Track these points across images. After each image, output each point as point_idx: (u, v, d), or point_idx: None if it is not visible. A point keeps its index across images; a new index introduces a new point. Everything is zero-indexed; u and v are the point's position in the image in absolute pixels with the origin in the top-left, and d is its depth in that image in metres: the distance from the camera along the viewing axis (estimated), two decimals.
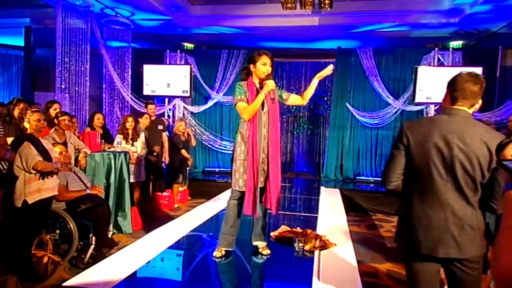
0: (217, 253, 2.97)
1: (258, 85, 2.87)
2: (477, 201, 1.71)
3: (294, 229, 3.68)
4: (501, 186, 1.59)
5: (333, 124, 7.87)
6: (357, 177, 7.74)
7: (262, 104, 2.82)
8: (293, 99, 3.10)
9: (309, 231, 3.54)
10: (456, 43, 7.30)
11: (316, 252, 3.17)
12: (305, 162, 8.82)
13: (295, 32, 7.07)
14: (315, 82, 3.02)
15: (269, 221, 4.64)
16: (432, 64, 7.10)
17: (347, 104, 7.70)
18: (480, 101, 1.79)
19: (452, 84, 1.79)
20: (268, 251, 3.08)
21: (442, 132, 1.71)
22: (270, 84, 2.78)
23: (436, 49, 7.17)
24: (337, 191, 6.38)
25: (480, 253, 1.73)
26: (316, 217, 4.55)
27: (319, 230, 3.78)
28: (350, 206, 6.09)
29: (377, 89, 7.47)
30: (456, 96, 1.76)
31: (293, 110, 8.65)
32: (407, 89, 7.31)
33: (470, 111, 1.79)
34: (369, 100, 7.70)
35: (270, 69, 2.85)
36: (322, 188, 6.53)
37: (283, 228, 3.73)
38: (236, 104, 2.84)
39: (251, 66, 2.87)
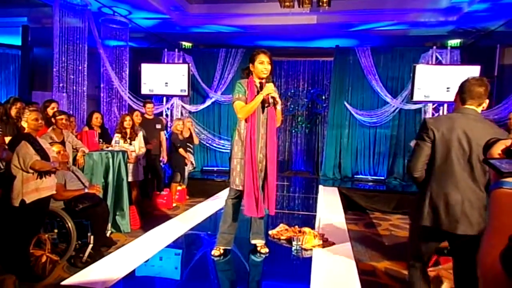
0: (215, 252, 2.97)
1: (258, 85, 2.84)
2: (484, 185, 2.03)
3: (292, 228, 3.68)
4: None
5: (331, 123, 7.87)
6: (355, 176, 7.75)
7: (263, 104, 2.79)
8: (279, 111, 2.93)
9: (307, 229, 3.54)
10: (454, 42, 7.32)
11: (315, 250, 3.17)
12: (303, 161, 8.83)
13: (293, 30, 7.06)
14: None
15: (267, 219, 4.66)
16: (430, 63, 7.11)
17: (345, 103, 7.71)
18: (487, 101, 2.14)
19: (461, 88, 2.16)
20: (267, 250, 3.08)
21: (463, 127, 2.04)
22: (269, 88, 2.73)
23: (434, 47, 7.18)
24: (335, 189, 6.39)
25: (479, 231, 2.00)
26: (315, 215, 4.55)
27: (318, 229, 3.78)
28: (348, 205, 6.11)
29: (375, 88, 7.48)
30: (465, 97, 2.12)
31: (291, 109, 8.66)
32: (405, 88, 7.32)
33: (479, 109, 2.13)
34: (367, 98, 7.71)
35: (268, 68, 2.80)
36: (321, 187, 6.53)
37: (282, 226, 3.74)
38: (233, 102, 2.81)
39: (251, 65, 2.85)
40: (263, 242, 3.11)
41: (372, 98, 7.65)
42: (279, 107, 2.84)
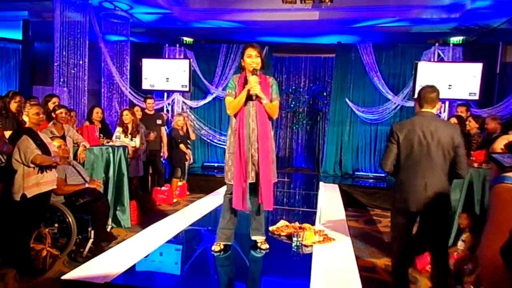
0: (215, 247, 2.97)
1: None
2: (445, 173, 2.56)
3: (292, 224, 3.68)
4: (464, 159, 2.58)
5: (332, 120, 7.86)
6: (356, 173, 7.75)
7: (250, 98, 2.74)
8: (272, 107, 2.82)
9: (307, 226, 3.54)
10: (456, 39, 7.28)
11: (315, 246, 3.18)
12: (304, 158, 8.82)
13: (295, 26, 7.03)
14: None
15: (268, 215, 4.66)
16: (432, 60, 7.08)
17: (347, 100, 7.69)
18: (439, 104, 2.88)
19: (418, 95, 2.75)
20: (267, 246, 3.08)
21: (422, 128, 2.57)
22: (251, 81, 2.70)
23: (437, 44, 7.15)
24: (336, 186, 6.38)
25: (446, 208, 2.59)
26: (315, 212, 4.55)
27: (318, 225, 3.78)
28: (349, 202, 6.10)
29: (377, 85, 7.45)
30: (422, 103, 2.68)
31: (292, 105, 8.64)
32: (406, 85, 7.30)
33: (433, 111, 2.69)
34: (368, 95, 7.69)
35: (257, 61, 2.74)
36: (321, 184, 6.53)
37: (282, 223, 3.74)
38: (224, 98, 2.86)
39: (242, 60, 2.84)
40: (264, 238, 3.11)
41: (374, 95, 7.63)
42: (265, 101, 2.74)
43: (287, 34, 7.72)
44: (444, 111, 7.13)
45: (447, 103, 7.07)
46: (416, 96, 2.82)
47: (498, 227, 0.72)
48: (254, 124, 2.76)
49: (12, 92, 3.93)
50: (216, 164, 8.35)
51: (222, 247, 2.99)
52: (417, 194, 2.53)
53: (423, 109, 2.67)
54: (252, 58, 2.75)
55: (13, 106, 3.74)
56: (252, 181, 2.80)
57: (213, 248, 2.97)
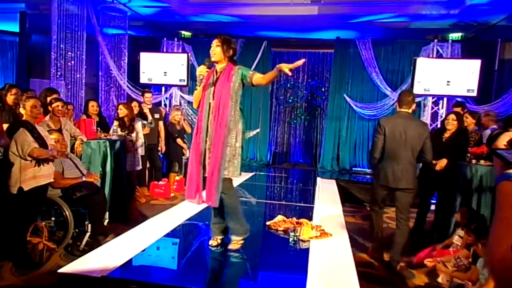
0: (212, 242, 2.98)
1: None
2: (411, 161, 3.33)
3: (290, 219, 3.69)
4: (429, 147, 3.33)
5: (330, 115, 7.86)
6: (353, 168, 7.76)
7: (209, 89, 2.73)
8: (257, 79, 2.73)
9: (305, 221, 3.55)
10: (455, 35, 7.27)
11: (312, 242, 3.18)
12: (302, 153, 8.83)
13: (294, 21, 7.00)
14: (278, 68, 2.61)
15: (265, 210, 4.67)
16: (431, 56, 7.08)
17: (345, 95, 7.69)
18: (414, 105, 3.46)
19: (398, 97, 3.52)
20: (236, 247, 2.91)
21: (401, 124, 3.31)
22: (197, 70, 2.76)
23: (435, 40, 7.14)
24: (333, 182, 6.39)
25: (413, 186, 3.36)
26: (312, 207, 4.56)
27: (315, 220, 3.79)
28: (346, 197, 6.11)
29: (375, 80, 7.45)
30: (401, 104, 3.42)
31: (290, 100, 8.63)
32: (405, 81, 7.30)
33: (410, 111, 3.40)
34: (367, 91, 7.69)
35: (215, 50, 2.71)
36: (318, 179, 6.54)
37: (279, 218, 3.74)
38: None
39: None
40: (238, 238, 2.94)
41: (372, 91, 7.63)
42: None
43: (286, 29, 7.69)
44: (442, 108, 7.14)
45: (445, 99, 7.08)
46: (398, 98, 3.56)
47: (506, 224, 0.73)
48: (213, 116, 2.71)
49: (9, 84, 3.90)
50: None
51: (219, 241, 2.99)
52: (393, 175, 3.34)
53: (401, 109, 3.40)
54: (212, 48, 2.75)
55: (10, 99, 3.71)
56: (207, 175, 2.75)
57: (210, 243, 2.98)
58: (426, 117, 7.28)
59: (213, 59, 2.75)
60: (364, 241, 4.23)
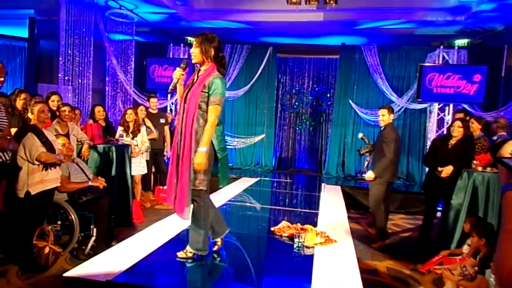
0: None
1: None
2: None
3: (294, 225, 3.68)
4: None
5: (335, 121, 7.85)
6: (358, 175, 7.72)
7: (188, 92, 2.59)
8: (211, 111, 2.53)
9: (309, 227, 3.54)
10: (461, 41, 7.26)
11: (316, 248, 3.17)
12: (307, 159, 8.81)
13: (299, 27, 7.03)
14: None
15: (269, 216, 4.66)
16: (437, 62, 7.06)
17: (350, 101, 7.68)
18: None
19: (391, 110, 4.37)
20: (183, 256, 2.76)
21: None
22: (174, 73, 2.65)
23: (441, 47, 7.13)
24: (338, 188, 6.37)
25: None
26: (317, 213, 4.55)
27: (320, 227, 3.78)
28: (351, 203, 6.09)
29: (381, 87, 7.44)
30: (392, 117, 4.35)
31: (295, 106, 8.63)
32: (411, 87, 7.28)
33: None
34: (372, 97, 7.67)
35: (194, 50, 2.59)
36: (323, 185, 6.52)
37: (284, 223, 3.74)
38: None
39: None
40: (191, 250, 2.80)
41: (377, 97, 7.62)
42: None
43: (291, 34, 7.73)
44: (448, 114, 7.11)
45: (451, 105, 7.05)
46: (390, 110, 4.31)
47: None
48: (184, 120, 2.58)
49: (18, 89, 3.95)
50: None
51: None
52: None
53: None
54: (192, 49, 2.63)
55: (19, 103, 3.76)
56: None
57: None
58: (432, 124, 7.25)
59: (193, 61, 2.63)
60: (369, 248, 4.20)
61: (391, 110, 4.38)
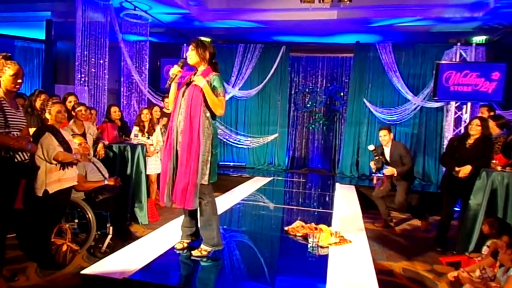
0: (178, 245, 2.94)
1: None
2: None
3: (308, 225, 3.66)
4: None
5: (349, 120, 7.78)
6: (373, 174, 7.62)
7: (184, 90, 2.73)
8: (216, 104, 2.68)
9: (324, 227, 3.51)
10: (479, 38, 7.10)
11: (331, 248, 3.15)
12: (320, 158, 8.76)
13: (313, 26, 6.99)
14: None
15: (283, 215, 4.65)
16: (454, 60, 6.92)
17: (365, 100, 7.59)
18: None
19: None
20: (199, 254, 2.81)
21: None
22: (171, 69, 2.77)
23: (459, 44, 6.98)
24: (353, 187, 6.31)
25: None
26: (331, 213, 4.52)
27: (334, 227, 3.75)
28: (366, 203, 6.01)
29: (396, 85, 7.34)
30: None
31: (308, 105, 8.58)
32: (427, 85, 7.15)
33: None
34: (387, 96, 7.57)
35: (190, 54, 2.73)
36: (337, 185, 6.47)
37: (298, 223, 3.72)
38: None
39: None
40: (205, 248, 2.84)
41: (393, 96, 7.51)
42: (201, 85, 2.64)
43: (305, 33, 7.68)
44: (466, 113, 6.96)
45: (469, 104, 6.90)
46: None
47: None
48: (182, 117, 2.69)
49: (38, 90, 4.04)
50: (231, 163, 8.39)
51: (185, 245, 2.95)
52: None
53: None
54: (188, 52, 2.78)
55: (38, 104, 3.84)
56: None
57: (175, 245, 2.96)
58: (449, 123, 7.11)
59: (189, 62, 2.76)
60: (385, 248, 4.14)
61: (390, 129, 5.02)
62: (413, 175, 5.08)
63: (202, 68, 2.76)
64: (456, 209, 4.54)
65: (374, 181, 5.20)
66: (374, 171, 5.17)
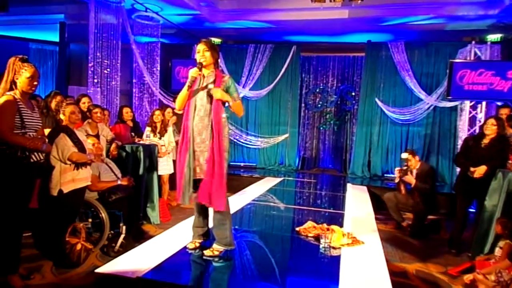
0: (190, 245, 2.96)
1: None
2: None
3: (320, 225, 3.64)
4: None
5: (361, 120, 7.71)
6: (385, 175, 7.55)
7: (197, 91, 2.76)
8: (237, 107, 2.81)
9: (336, 227, 3.48)
10: (494, 36, 6.95)
11: (343, 249, 3.12)
12: (331, 158, 8.71)
13: (324, 25, 6.94)
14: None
15: (293, 216, 4.63)
16: (468, 58, 6.81)
17: (377, 99, 7.52)
18: None
19: None
20: (212, 254, 2.82)
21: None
22: (190, 72, 2.74)
23: (473, 42, 6.87)
24: (364, 188, 6.26)
25: None
26: (343, 214, 4.48)
27: (346, 227, 3.72)
28: (378, 204, 5.95)
29: (409, 84, 7.25)
30: None
31: (319, 105, 8.54)
32: (440, 84, 7.05)
33: None
34: (399, 95, 7.49)
35: (205, 55, 2.74)
36: (349, 185, 6.42)
37: (309, 223, 3.70)
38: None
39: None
40: (218, 247, 2.86)
41: (405, 95, 7.43)
42: (214, 89, 2.70)
43: (315, 33, 7.64)
44: (481, 112, 6.84)
45: (484, 103, 6.78)
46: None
47: None
48: (198, 118, 2.73)
49: (54, 91, 4.11)
50: (242, 164, 8.40)
51: (197, 245, 2.97)
52: None
53: None
54: (200, 53, 2.76)
55: (53, 105, 3.91)
56: (198, 177, 2.75)
57: (187, 245, 2.98)
58: (463, 122, 6.99)
59: (204, 63, 2.76)
60: (398, 249, 4.09)
61: (413, 152, 4.89)
62: (434, 204, 4.82)
63: (209, 70, 2.79)
64: (471, 210, 4.46)
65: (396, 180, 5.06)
66: (396, 179, 5.01)
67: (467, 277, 3.15)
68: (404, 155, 4.95)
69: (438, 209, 5.12)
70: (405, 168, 4.85)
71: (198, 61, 2.76)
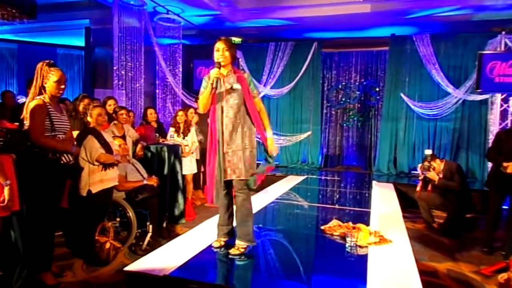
0: (215, 243, 2.97)
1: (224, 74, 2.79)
2: None
3: (345, 224, 3.58)
4: None
5: (386, 116, 7.54)
6: (412, 172, 7.35)
7: (221, 94, 2.73)
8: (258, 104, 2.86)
9: (362, 226, 3.42)
10: None
11: (370, 248, 3.06)
12: (355, 155, 8.56)
13: (345, 20, 6.82)
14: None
15: (318, 214, 4.58)
16: (498, 49, 6.52)
17: (402, 94, 7.33)
18: None
19: None
20: (238, 252, 2.82)
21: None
22: (211, 73, 2.69)
23: (503, 32, 6.57)
24: (391, 185, 6.12)
25: None
26: (369, 212, 4.39)
27: (373, 226, 3.64)
28: (405, 202, 5.80)
29: (435, 78, 7.03)
30: None
31: (342, 102, 8.42)
32: (469, 77, 6.79)
33: None
34: (426, 89, 7.27)
35: (224, 54, 2.71)
36: (374, 183, 6.29)
37: (334, 222, 3.65)
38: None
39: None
40: (242, 244, 2.86)
41: (432, 89, 7.20)
42: (235, 85, 2.72)
43: (336, 28, 7.52)
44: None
45: None
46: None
47: None
48: (228, 119, 2.73)
49: (82, 95, 4.25)
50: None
51: (222, 243, 2.98)
52: None
53: None
54: (219, 52, 2.72)
55: (81, 107, 4.03)
56: (229, 178, 2.78)
57: (213, 244, 2.99)
58: (495, 116, 6.71)
59: (223, 62, 2.74)
60: (427, 248, 3.98)
61: (434, 156, 4.82)
62: (469, 202, 4.68)
63: (228, 69, 2.79)
64: (504, 207, 4.27)
65: (418, 188, 4.98)
66: (420, 176, 4.91)
67: (502, 276, 3.02)
68: (428, 151, 4.82)
69: (475, 208, 4.90)
70: (427, 165, 4.69)
71: (216, 60, 2.74)
